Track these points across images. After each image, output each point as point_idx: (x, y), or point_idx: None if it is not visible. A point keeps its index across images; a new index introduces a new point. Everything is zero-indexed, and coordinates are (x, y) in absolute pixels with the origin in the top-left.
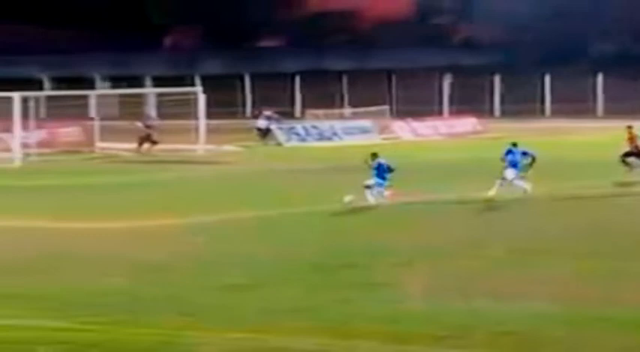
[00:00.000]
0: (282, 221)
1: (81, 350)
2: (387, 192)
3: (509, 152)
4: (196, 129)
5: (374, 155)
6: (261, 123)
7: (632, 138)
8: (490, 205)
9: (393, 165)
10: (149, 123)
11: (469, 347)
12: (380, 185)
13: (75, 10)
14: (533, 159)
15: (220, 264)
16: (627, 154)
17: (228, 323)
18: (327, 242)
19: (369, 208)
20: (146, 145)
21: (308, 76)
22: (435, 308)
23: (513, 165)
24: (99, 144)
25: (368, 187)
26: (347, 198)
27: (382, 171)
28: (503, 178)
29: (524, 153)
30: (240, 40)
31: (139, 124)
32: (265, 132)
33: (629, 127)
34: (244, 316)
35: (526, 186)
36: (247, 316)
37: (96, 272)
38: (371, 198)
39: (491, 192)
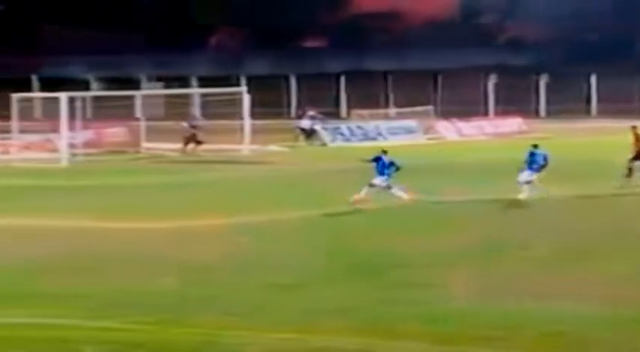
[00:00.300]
0: (326, 221)
1: (127, 349)
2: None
3: (532, 154)
4: (241, 130)
5: (383, 152)
6: (305, 123)
7: (638, 140)
8: (529, 204)
9: (398, 163)
10: (194, 123)
11: (515, 348)
12: (385, 182)
13: (121, 11)
14: (546, 161)
15: (265, 264)
16: (634, 158)
17: (272, 323)
18: (371, 241)
19: (411, 207)
20: (191, 145)
21: (353, 77)
22: (478, 308)
23: (530, 167)
24: (145, 145)
25: (389, 187)
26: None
27: (383, 168)
28: (527, 181)
29: (545, 157)
30: (285, 40)
31: (185, 124)
32: (309, 133)
33: (634, 127)
34: (288, 316)
35: (533, 177)
36: (291, 316)
37: (141, 272)
38: (403, 194)
39: (522, 195)
